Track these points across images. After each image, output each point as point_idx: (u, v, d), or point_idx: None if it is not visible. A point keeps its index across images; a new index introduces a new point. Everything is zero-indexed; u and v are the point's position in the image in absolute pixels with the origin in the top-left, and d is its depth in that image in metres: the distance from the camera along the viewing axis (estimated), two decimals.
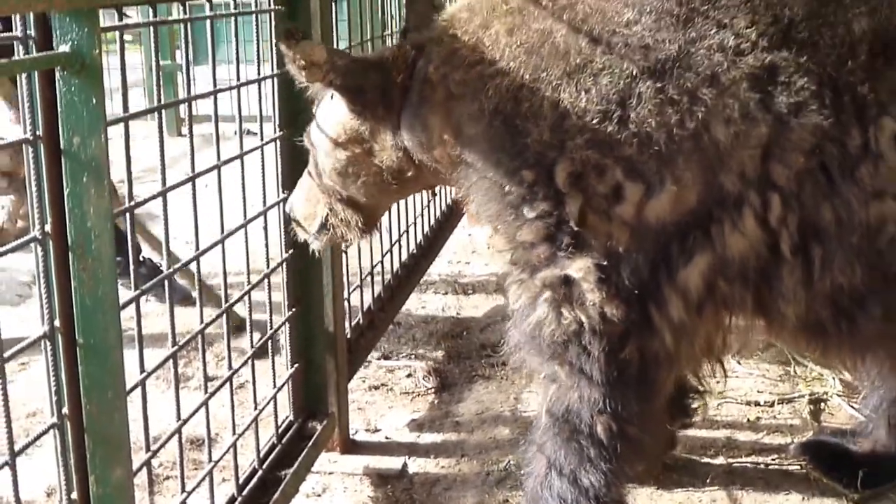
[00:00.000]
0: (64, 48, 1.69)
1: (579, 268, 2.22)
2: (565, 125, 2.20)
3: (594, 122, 2.18)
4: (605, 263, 2.21)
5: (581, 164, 2.19)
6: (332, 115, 2.58)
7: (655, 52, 2.19)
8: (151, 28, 2.19)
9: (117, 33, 1.99)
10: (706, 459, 3.15)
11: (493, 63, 2.30)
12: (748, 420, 3.42)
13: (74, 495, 1.84)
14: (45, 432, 1.80)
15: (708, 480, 3.02)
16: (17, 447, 1.68)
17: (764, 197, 2.19)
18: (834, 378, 3.64)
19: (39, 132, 1.71)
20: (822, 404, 3.52)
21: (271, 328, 2.84)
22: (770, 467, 3.11)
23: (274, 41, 2.76)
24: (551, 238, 2.25)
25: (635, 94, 2.17)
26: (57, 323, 1.77)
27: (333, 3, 3.10)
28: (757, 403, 3.53)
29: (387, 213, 3.16)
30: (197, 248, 2.33)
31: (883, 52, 2.19)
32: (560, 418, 2.42)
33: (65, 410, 1.81)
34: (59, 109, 1.71)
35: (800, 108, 2.16)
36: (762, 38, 2.20)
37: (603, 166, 2.18)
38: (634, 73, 2.18)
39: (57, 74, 1.70)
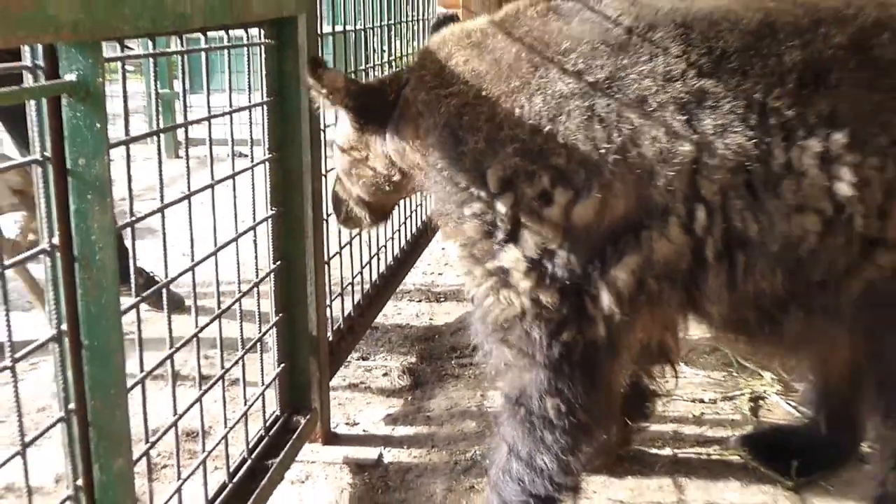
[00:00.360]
0: (70, 77, 1.69)
1: (511, 259, 2.30)
2: (499, 136, 2.29)
3: (524, 133, 2.27)
4: (535, 256, 2.28)
5: (511, 169, 2.27)
6: (341, 126, 2.79)
7: (587, 75, 2.27)
8: (151, 59, 2.19)
9: (119, 63, 2.00)
10: (655, 450, 3.17)
11: (447, 86, 2.42)
12: (693, 415, 3.44)
13: (80, 482, 1.84)
14: (53, 425, 1.80)
15: (656, 469, 3.04)
16: (27, 439, 1.68)
17: (690, 208, 2.24)
18: (773, 378, 3.67)
19: (48, 153, 1.71)
20: (761, 401, 3.54)
21: (260, 332, 2.84)
22: (712, 457, 3.13)
23: (264, 71, 2.78)
24: (489, 233, 2.33)
25: (565, 112, 2.25)
26: (64, 327, 1.78)
27: (319, 38, 3.11)
28: (701, 401, 3.55)
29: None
30: (192, 260, 2.34)
31: (814, 81, 2.23)
32: (514, 401, 2.48)
33: (71, 406, 1.81)
34: (65, 133, 1.71)
35: (725, 130, 2.21)
36: (693, 67, 2.25)
37: (532, 172, 2.26)
38: (565, 93, 2.26)
39: (63, 101, 1.71)
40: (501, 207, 2.30)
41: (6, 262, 1.62)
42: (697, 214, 2.24)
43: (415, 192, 3.07)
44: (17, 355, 1.63)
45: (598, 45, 2.31)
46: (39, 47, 1.69)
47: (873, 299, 2.33)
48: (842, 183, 2.21)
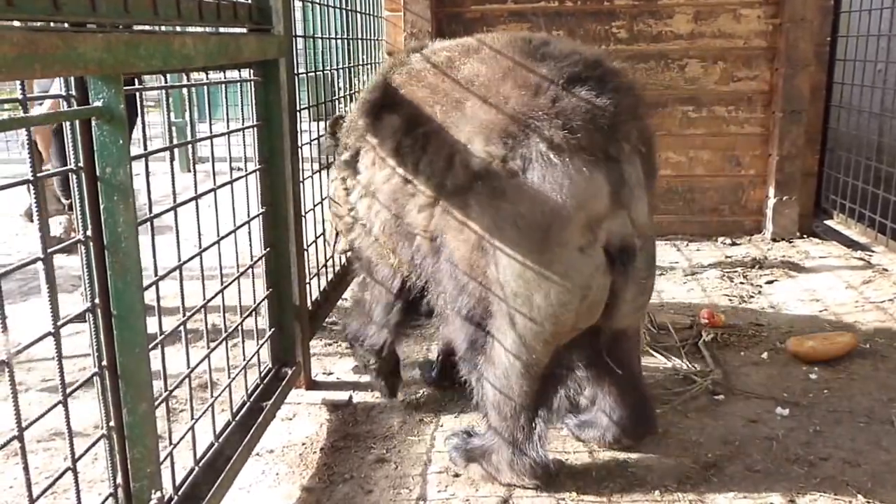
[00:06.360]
0: (97, 103, 1.63)
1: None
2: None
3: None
4: None
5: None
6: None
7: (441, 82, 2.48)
8: (164, 92, 2.11)
9: (137, 94, 1.93)
10: None
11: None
12: None
13: (112, 424, 1.78)
14: (89, 378, 1.74)
15: None
16: (68, 390, 1.61)
17: None
18: (644, 332, 3.66)
19: (81, 164, 1.65)
20: None
21: (255, 303, 2.78)
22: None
23: (254, 102, 2.72)
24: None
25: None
26: (97, 300, 1.71)
27: (296, 77, 3.05)
28: None
29: None
30: (199, 247, 2.27)
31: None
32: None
33: (104, 363, 1.74)
34: (95, 148, 1.65)
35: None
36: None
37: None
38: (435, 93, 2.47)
39: (93, 122, 1.64)
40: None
41: (50, 250, 1.55)
42: None
43: None
44: (59, 323, 1.55)
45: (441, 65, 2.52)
46: (72, 79, 1.62)
47: None
48: None
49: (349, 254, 3.08)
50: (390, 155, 2.51)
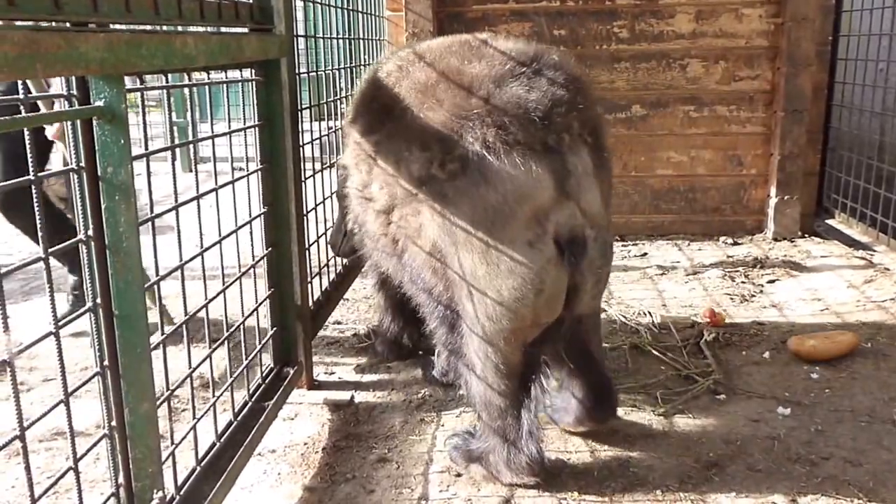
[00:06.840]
0: (99, 103, 1.63)
1: None
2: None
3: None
4: None
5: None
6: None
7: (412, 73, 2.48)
8: (165, 91, 2.11)
9: (139, 94, 1.93)
10: None
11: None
12: None
13: (114, 423, 1.77)
14: (91, 378, 1.73)
15: None
16: (70, 390, 1.61)
17: None
18: (645, 331, 3.67)
19: (83, 164, 1.65)
20: (637, 349, 3.52)
21: (256, 303, 2.77)
22: None
23: (256, 101, 2.72)
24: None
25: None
26: (99, 300, 1.71)
27: (297, 76, 3.05)
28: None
29: None
30: (201, 247, 2.26)
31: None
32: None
33: (105, 363, 1.74)
34: (96, 147, 1.65)
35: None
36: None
37: None
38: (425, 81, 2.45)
39: (94, 122, 1.64)
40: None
41: (51, 250, 1.55)
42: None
43: None
44: (60, 323, 1.55)
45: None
46: (73, 79, 1.62)
47: None
48: None
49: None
50: (353, 166, 2.61)
